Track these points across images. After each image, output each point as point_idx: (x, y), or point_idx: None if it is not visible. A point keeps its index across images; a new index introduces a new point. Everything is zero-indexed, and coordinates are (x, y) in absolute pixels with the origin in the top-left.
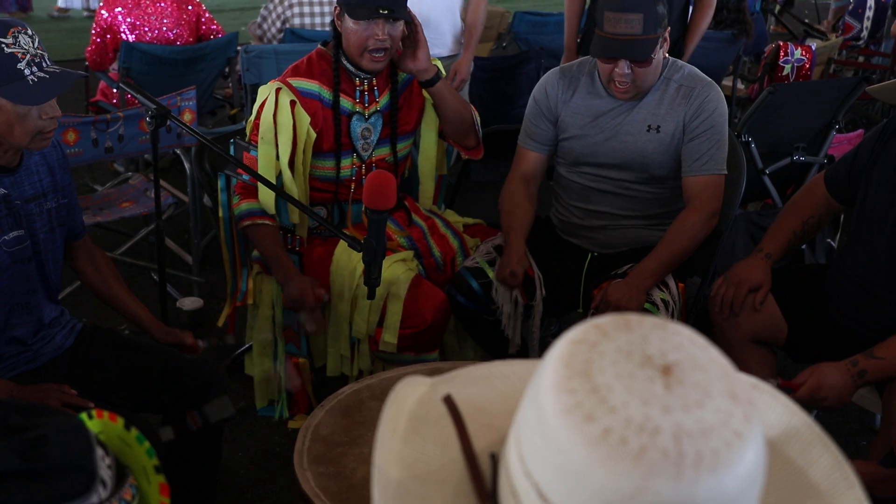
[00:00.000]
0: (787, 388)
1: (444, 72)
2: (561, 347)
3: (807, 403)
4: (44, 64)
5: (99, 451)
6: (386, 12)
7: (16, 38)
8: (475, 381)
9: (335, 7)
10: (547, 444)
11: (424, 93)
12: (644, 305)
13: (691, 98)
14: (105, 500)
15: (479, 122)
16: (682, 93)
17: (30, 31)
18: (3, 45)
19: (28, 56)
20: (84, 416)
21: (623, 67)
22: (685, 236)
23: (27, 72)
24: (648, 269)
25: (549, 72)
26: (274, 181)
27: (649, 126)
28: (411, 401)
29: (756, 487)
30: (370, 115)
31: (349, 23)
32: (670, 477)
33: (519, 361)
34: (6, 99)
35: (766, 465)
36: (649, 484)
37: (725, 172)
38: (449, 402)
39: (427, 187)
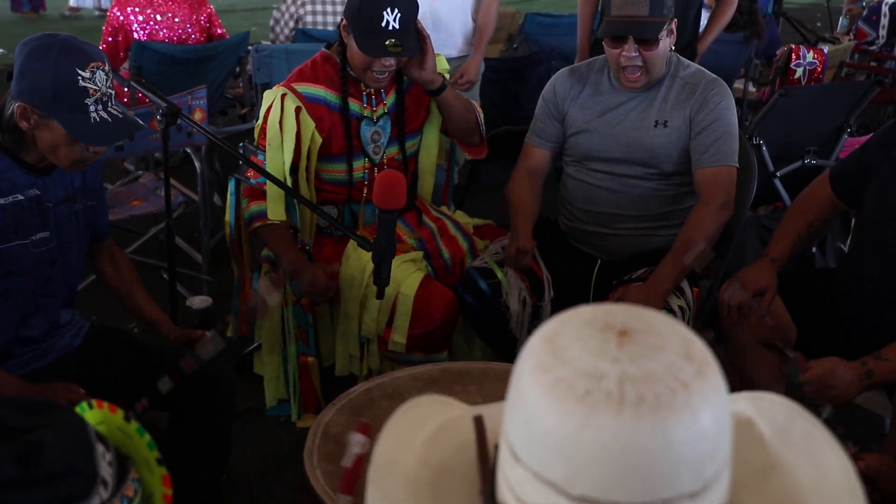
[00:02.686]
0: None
1: (448, 76)
2: (540, 328)
3: (814, 391)
4: (109, 104)
5: (99, 449)
6: (393, 49)
7: (93, 73)
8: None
9: (342, 19)
10: (516, 404)
11: None
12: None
13: (696, 93)
14: (107, 500)
15: (482, 121)
16: (687, 89)
17: (107, 67)
18: (80, 78)
19: (98, 94)
20: (84, 405)
21: (630, 50)
22: (698, 231)
23: (92, 109)
24: (666, 273)
25: (559, 71)
26: None
27: (656, 121)
28: (441, 416)
29: (712, 444)
30: (378, 118)
31: (354, 42)
32: (611, 415)
33: None
34: (61, 125)
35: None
36: (591, 420)
37: (736, 164)
38: (478, 420)
39: (427, 183)
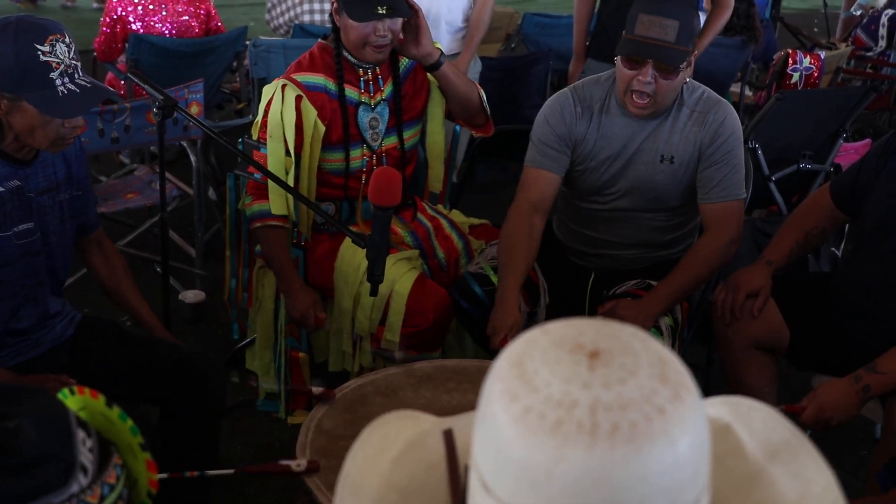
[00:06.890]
0: (792, 414)
1: (445, 54)
2: (507, 348)
3: (815, 426)
4: (76, 76)
5: (80, 435)
6: (385, 11)
7: (53, 46)
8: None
9: (333, 1)
10: (485, 430)
11: (429, 75)
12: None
13: (706, 123)
14: (87, 487)
15: (485, 99)
16: (694, 118)
17: (67, 40)
18: (39, 53)
19: (62, 66)
20: (66, 391)
21: (648, 75)
22: (702, 263)
23: (58, 82)
24: (661, 295)
25: (561, 96)
26: (285, 177)
27: (662, 156)
28: (410, 431)
29: (690, 470)
30: (376, 105)
31: (348, 19)
32: (583, 447)
33: None
34: (31, 104)
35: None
36: (564, 454)
37: (744, 195)
38: (447, 435)
39: (436, 171)
